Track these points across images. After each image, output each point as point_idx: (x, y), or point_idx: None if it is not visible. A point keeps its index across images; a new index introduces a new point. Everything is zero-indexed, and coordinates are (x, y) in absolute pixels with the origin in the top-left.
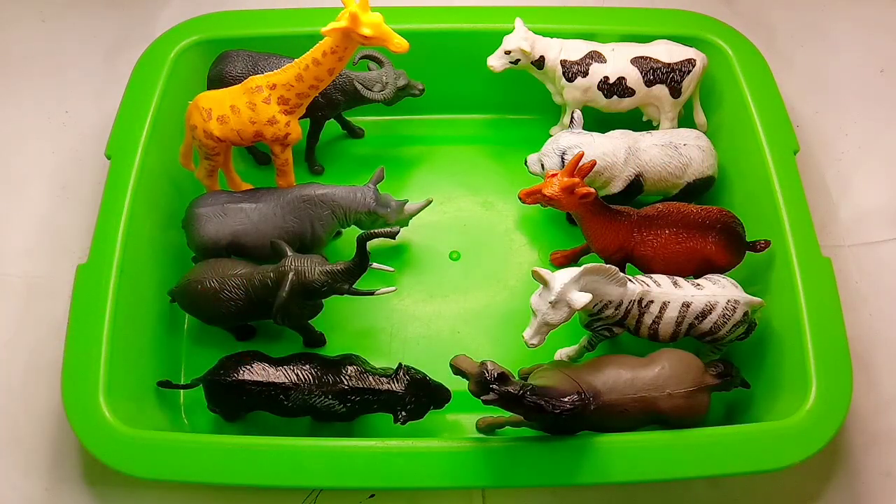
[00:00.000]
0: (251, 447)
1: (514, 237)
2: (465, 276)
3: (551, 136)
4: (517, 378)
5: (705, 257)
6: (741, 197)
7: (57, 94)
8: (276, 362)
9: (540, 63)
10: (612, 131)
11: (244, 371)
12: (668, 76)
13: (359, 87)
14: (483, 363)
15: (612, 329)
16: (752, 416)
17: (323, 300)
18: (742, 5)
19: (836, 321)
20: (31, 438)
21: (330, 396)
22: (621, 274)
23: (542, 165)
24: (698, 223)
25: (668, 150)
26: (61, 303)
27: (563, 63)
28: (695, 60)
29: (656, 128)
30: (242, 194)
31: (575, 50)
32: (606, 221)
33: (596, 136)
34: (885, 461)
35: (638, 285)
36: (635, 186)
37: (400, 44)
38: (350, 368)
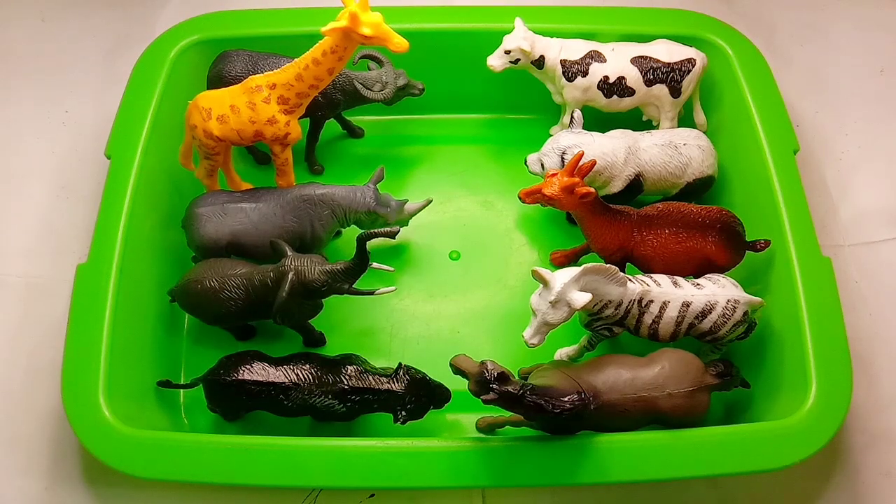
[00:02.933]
0: (251, 447)
1: (514, 237)
2: (464, 275)
3: (551, 135)
4: (517, 378)
5: (705, 257)
6: (741, 197)
7: (57, 93)
8: (276, 362)
9: (540, 63)
10: (611, 131)
11: (244, 371)
12: (667, 76)
13: (359, 86)
14: (483, 363)
15: (612, 329)
16: (752, 415)
17: (323, 300)
18: (742, 5)
19: (836, 321)
20: (31, 438)
21: (330, 396)
22: (621, 274)
23: (542, 165)
24: (698, 223)
25: (668, 150)
26: (61, 303)
27: (563, 63)
28: (695, 60)
29: (656, 127)
30: (242, 194)
31: (575, 49)
32: (606, 221)
33: (596, 136)
34: (885, 461)
35: (638, 285)
36: (635, 186)
37: (400, 43)
38: (350, 368)
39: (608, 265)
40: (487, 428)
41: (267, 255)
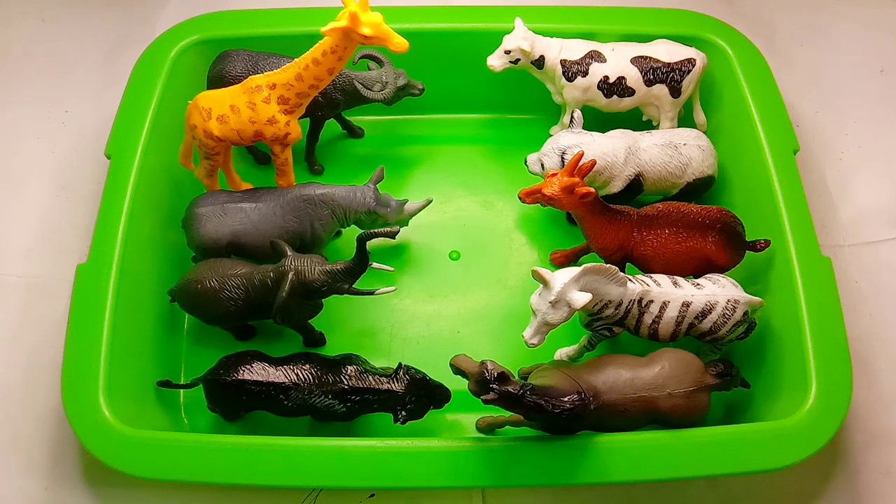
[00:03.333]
0: (251, 447)
1: (514, 237)
2: (465, 275)
3: (551, 135)
4: (517, 378)
5: (705, 257)
6: (741, 197)
7: (57, 93)
8: (276, 362)
9: (540, 63)
10: (611, 131)
11: (244, 371)
12: (667, 76)
13: (359, 86)
14: (483, 363)
15: (612, 329)
16: (752, 416)
17: (323, 300)
18: (742, 5)
19: (836, 321)
20: (31, 438)
21: (330, 396)
22: (621, 274)
23: (542, 165)
24: (698, 223)
25: (668, 150)
26: (61, 303)
27: (563, 63)
28: (695, 60)
29: (656, 127)
30: (242, 194)
31: (575, 49)
32: (606, 221)
33: (596, 136)
34: (885, 461)
35: (638, 285)
36: (635, 186)
37: (400, 43)
38: (350, 368)
39: (608, 265)
40: (487, 428)
41: (267, 255)
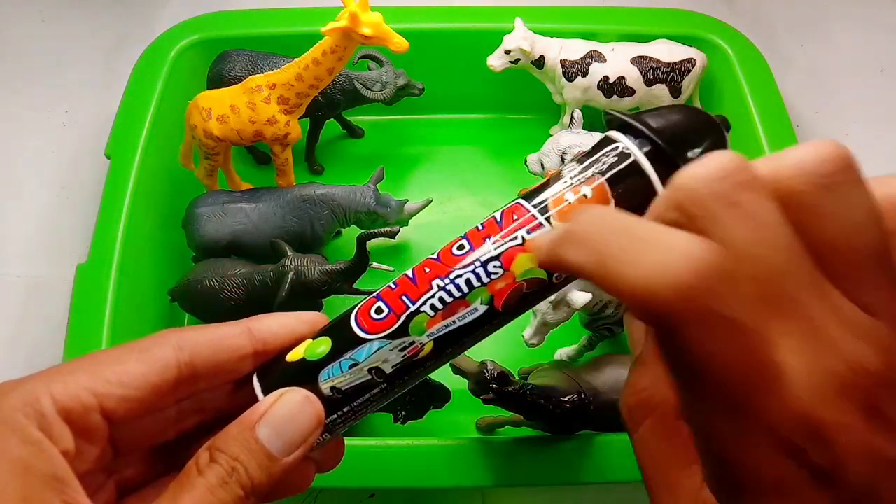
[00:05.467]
0: None
1: None
2: None
3: (551, 135)
4: (517, 378)
5: None
6: None
7: (57, 93)
8: None
9: (540, 63)
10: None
11: None
12: (667, 76)
13: (359, 86)
14: (483, 363)
15: (613, 328)
16: None
17: (323, 300)
18: (742, 5)
19: None
20: None
21: None
22: None
23: (542, 165)
24: None
25: None
26: (61, 303)
27: (563, 63)
28: (695, 60)
29: None
30: (242, 194)
31: (575, 49)
32: None
33: (596, 136)
34: None
35: None
36: None
37: (400, 43)
38: None
39: None
40: (487, 428)
41: (267, 255)
